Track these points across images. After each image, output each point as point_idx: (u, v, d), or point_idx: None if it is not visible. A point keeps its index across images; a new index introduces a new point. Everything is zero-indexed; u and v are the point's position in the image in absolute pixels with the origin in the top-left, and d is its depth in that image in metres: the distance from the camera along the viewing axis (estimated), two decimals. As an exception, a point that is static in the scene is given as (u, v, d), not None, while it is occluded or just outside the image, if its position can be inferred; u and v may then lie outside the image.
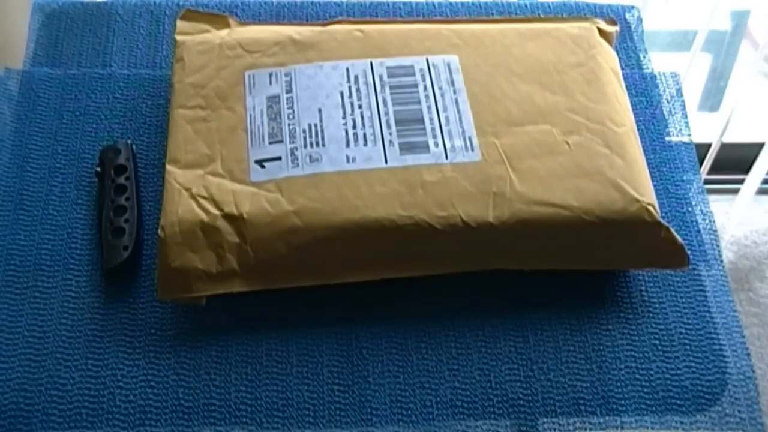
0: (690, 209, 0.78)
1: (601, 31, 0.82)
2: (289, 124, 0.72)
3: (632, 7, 0.91)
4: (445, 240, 0.68)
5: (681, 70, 0.93)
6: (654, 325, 0.71)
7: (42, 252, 0.72)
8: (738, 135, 1.51)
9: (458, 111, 0.74)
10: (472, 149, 0.72)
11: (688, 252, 0.71)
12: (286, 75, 0.75)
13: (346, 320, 0.69)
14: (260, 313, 0.69)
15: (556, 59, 0.78)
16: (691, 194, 0.78)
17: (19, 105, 0.80)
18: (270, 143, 0.71)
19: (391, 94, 0.75)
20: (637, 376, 0.68)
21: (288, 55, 0.77)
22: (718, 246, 0.76)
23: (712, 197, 0.79)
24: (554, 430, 0.67)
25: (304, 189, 0.69)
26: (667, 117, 0.83)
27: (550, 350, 0.69)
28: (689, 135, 0.83)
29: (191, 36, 0.79)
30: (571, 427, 0.67)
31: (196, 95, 0.74)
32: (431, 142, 0.72)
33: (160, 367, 0.67)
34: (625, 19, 0.90)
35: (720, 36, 1.60)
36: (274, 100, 0.74)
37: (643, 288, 0.73)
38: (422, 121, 0.73)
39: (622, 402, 0.67)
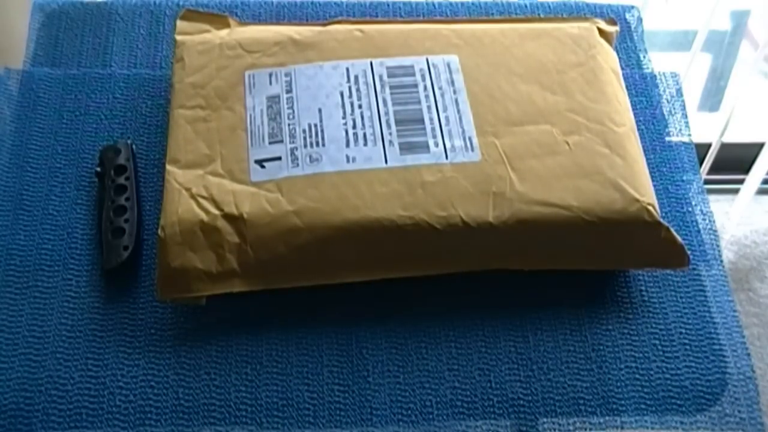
0: (690, 209, 0.78)
1: (601, 31, 0.82)
2: (289, 124, 0.72)
3: (632, 7, 0.91)
4: (445, 240, 0.68)
5: (681, 70, 0.93)
6: (654, 325, 0.71)
7: (42, 252, 0.72)
8: (738, 135, 1.51)
9: (458, 111, 0.74)
10: (472, 149, 0.72)
11: (688, 252, 0.71)
12: (286, 75, 0.75)
13: (346, 320, 0.69)
14: (260, 313, 0.69)
15: (556, 59, 0.78)
16: (691, 194, 0.78)
17: (19, 105, 0.80)
18: (270, 143, 0.71)
19: (391, 94, 0.75)
20: (637, 376, 0.68)
21: (288, 55, 0.77)
22: (718, 246, 0.76)
23: (712, 197, 0.79)
24: (554, 430, 0.67)
25: (304, 189, 0.69)
26: (667, 117, 0.83)
27: (550, 350, 0.69)
28: (689, 135, 0.83)
29: (191, 36, 0.79)
30: (571, 427, 0.67)
31: (196, 95, 0.74)
32: (431, 142, 0.72)
33: (160, 367, 0.67)
34: (625, 19, 0.90)
35: (720, 36, 1.61)
36: (274, 100, 0.74)
37: (643, 288, 0.73)
38: (422, 121, 0.73)
39: (622, 402, 0.67)
